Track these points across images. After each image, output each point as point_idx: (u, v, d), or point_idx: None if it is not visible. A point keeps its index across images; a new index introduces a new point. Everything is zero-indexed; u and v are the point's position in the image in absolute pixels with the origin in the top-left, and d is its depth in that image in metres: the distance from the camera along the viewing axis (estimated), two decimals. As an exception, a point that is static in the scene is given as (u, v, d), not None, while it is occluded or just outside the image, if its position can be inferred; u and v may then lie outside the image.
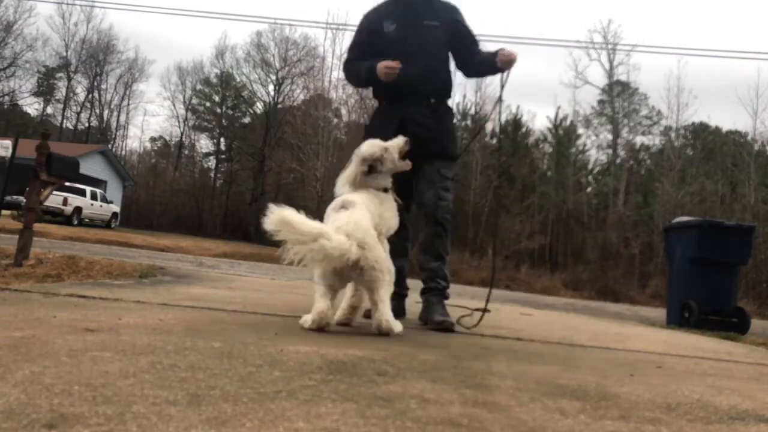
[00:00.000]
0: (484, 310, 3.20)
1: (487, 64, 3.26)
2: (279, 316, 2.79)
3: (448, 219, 3.17)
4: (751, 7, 52.28)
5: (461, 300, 6.44)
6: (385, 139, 2.80)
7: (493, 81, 46.20)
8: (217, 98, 45.78)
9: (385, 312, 2.41)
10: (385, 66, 3.01)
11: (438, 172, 3.13)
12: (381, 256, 2.41)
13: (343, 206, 2.50)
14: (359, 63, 3.23)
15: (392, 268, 2.54)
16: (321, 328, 2.37)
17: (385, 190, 2.74)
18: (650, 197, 29.05)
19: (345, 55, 3.47)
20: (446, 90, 3.29)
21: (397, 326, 2.46)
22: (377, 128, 3.10)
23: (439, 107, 3.22)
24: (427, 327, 2.97)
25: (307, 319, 2.42)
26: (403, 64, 3.00)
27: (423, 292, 3.17)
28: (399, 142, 2.79)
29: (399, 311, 2.99)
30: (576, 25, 61.78)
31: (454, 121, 3.48)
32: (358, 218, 2.40)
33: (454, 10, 3.32)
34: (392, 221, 2.73)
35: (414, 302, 3.29)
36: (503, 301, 8.39)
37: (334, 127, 30.33)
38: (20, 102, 42.17)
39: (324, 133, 27.37)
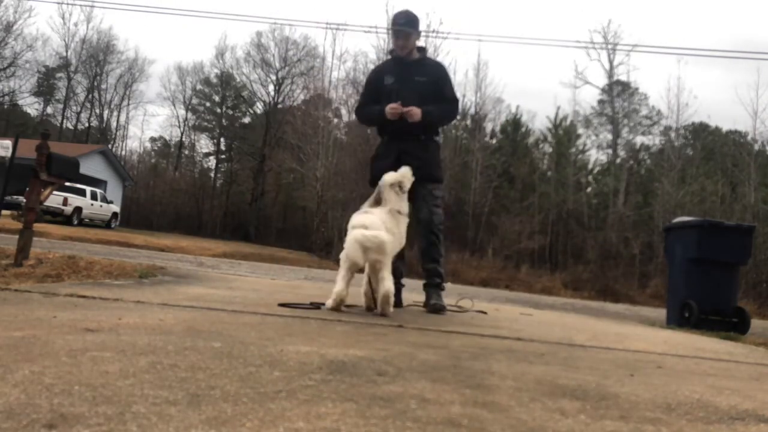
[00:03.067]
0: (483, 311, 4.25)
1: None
2: (279, 316, 2.79)
3: (441, 229, 4.02)
4: (751, 7, 52.28)
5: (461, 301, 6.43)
6: (388, 166, 3.66)
7: (492, 81, 46.12)
8: (217, 98, 45.79)
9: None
10: (390, 107, 3.86)
11: (430, 192, 3.97)
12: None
13: (367, 212, 3.31)
14: (371, 107, 4.11)
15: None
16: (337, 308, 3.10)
17: (399, 212, 3.41)
18: (650, 197, 29.06)
19: (356, 102, 4.35)
20: (433, 128, 4.08)
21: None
22: (381, 159, 4.02)
23: (427, 141, 4.03)
24: (427, 310, 3.85)
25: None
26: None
27: (424, 287, 4.04)
28: (407, 171, 3.52)
29: (398, 302, 3.80)
30: (576, 25, 61.80)
31: (440, 151, 4.26)
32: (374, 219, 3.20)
33: (439, 68, 4.23)
34: (402, 239, 3.41)
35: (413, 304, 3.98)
36: (503, 301, 8.39)
37: (334, 127, 30.34)
38: (20, 102, 42.21)
39: (324, 133, 27.36)
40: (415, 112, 3.81)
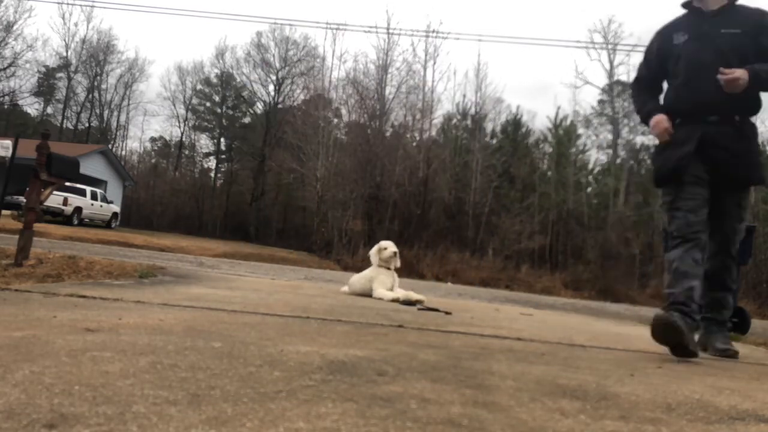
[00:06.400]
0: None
1: None
2: (279, 316, 2.79)
3: (738, 249, 3.00)
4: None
5: (462, 300, 6.44)
6: (685, 156, 2.77)
7: (492, 81, 46.00)
8: (217, 98, 45.80)
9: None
10: (658, 126, 2.89)
11: (738, 204, 2.95)
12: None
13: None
14: (644, 98, 3.09)
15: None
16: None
17: (388, 268, 5.06)
18: (650, 197, 29.06)
19: (635, 73, 3.21)
20: (753, 105, 2.86)
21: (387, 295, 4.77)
22: (675, 147, 2.85)
23: (744, 126, 2.86)
24: (709, 353, 2.86)
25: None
26: (698, 79, 2.80)
27: (704, 319, 2.96)
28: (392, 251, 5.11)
29: (725, 340, 2.93)
30: (576, 25, 61.84)
31: (759, 140, 3.01)
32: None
33: (761, 15, 2.88)
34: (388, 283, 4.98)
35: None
36: (503, 301, 8.38)
37: (334, 127, 30.34)
38: (20, 102, 42.15)
39: (324, 133, 27.35)
40: (734, 79, 2.65)
